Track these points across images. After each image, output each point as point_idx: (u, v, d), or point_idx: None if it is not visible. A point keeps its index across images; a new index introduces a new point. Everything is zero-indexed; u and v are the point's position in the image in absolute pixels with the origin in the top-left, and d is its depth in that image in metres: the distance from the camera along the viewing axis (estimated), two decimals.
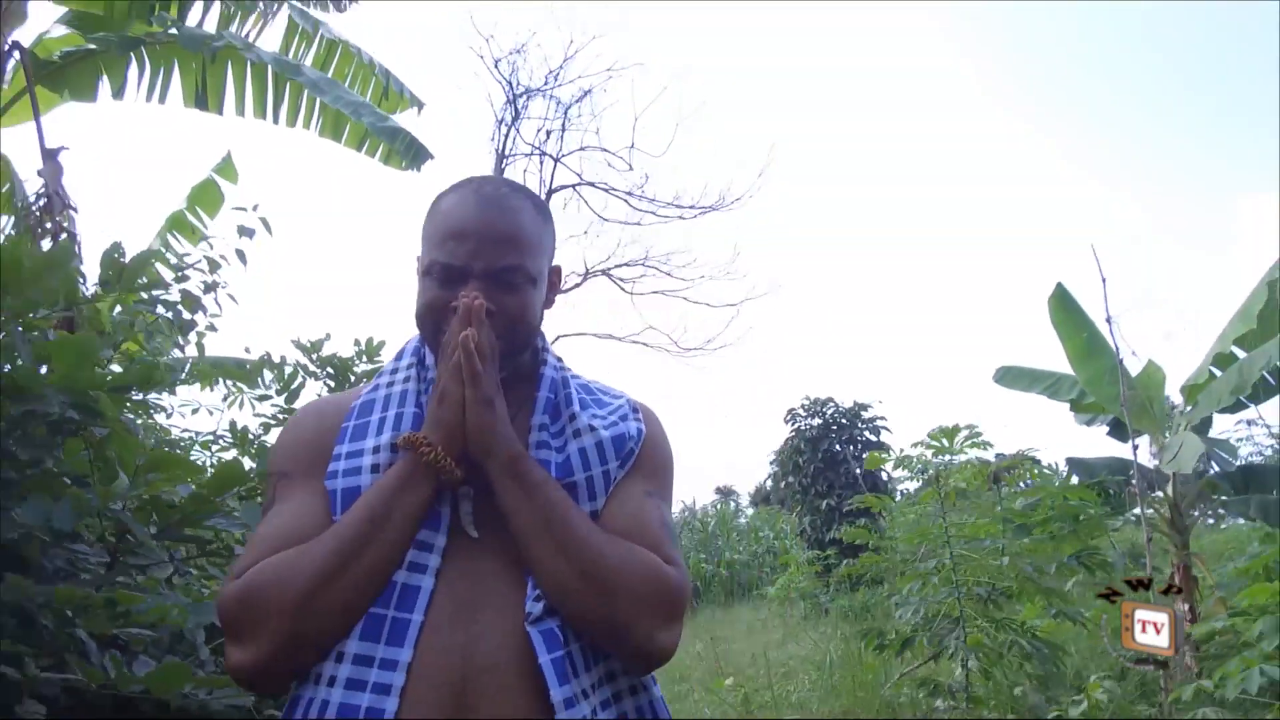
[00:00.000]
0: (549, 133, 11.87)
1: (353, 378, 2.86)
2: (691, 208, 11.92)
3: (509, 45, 12.36)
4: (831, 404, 11.40)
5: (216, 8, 4.74)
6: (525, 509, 0.99)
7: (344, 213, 26.92)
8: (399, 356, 1.17)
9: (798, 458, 11.24)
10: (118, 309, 2.46)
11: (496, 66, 11.73)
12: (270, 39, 5.28)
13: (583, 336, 12.44)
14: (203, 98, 4.81)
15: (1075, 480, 5.66)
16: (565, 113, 11.82)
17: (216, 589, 1.56)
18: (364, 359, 2.89)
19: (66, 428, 1.32)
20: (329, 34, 5.21)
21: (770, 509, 18.05)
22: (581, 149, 11.96)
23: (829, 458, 10.91)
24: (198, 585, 1.72)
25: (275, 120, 4.94)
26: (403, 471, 0.99)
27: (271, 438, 2.75)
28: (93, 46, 4.50)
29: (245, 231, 2.92)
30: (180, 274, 2.89)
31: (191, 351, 2.94)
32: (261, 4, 4.80)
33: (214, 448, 2.98)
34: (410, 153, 4.94)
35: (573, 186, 12.08)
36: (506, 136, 11.81)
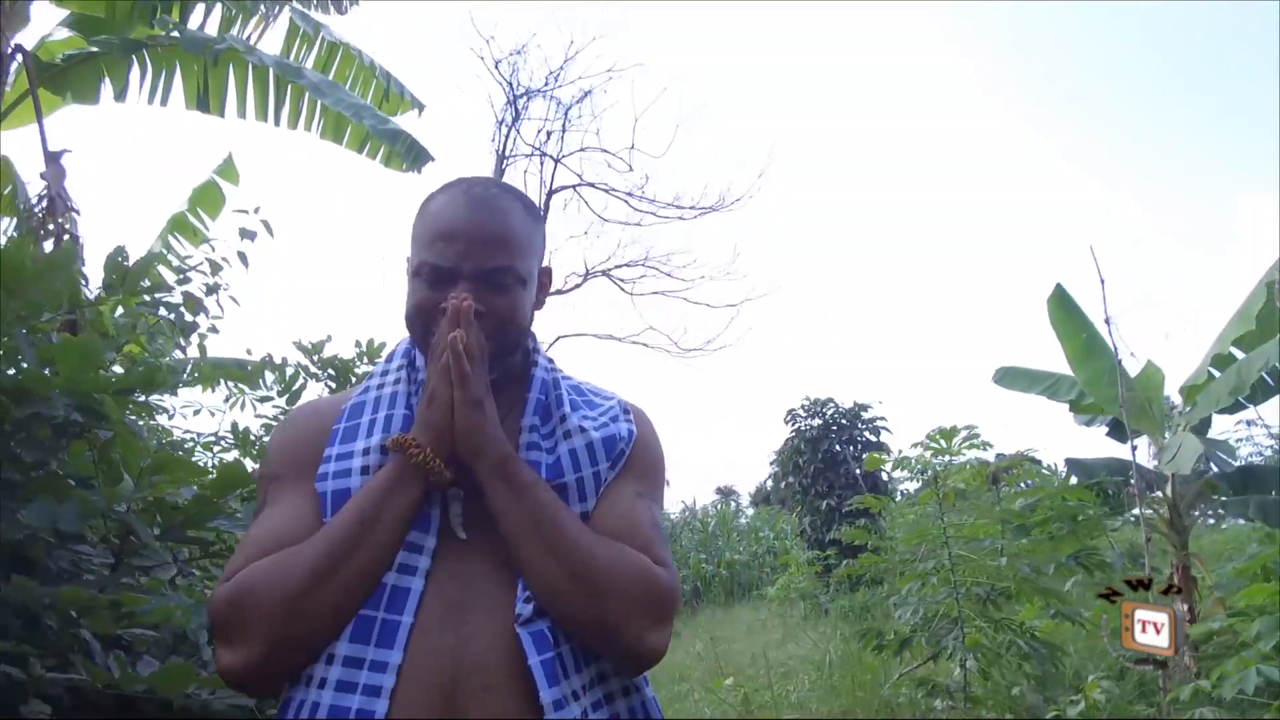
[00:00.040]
0: (549, 134, 11.89)
1: (354, 379, 2.88)
2: (691, 208, 11.93)
3: (509, 46, 12.36)
4: (831, 404, 11.41)
5: (218, 10, 4.75)
6: (515, 510, 0.99)
7: (345, 215, 26.95)
8: (389, 358, 1.17)
9: (798, 458, 11.25)
10: (119, 310, 2.48)
11: (497, 67, 11.75)
12: (272, 41, 5.30)
13: (583, 337, 12.48)
14: (204, 100, 4.82)
15: (1074, 481, 5.66)
16: (565, 114, 11.84)
17: None
18: (365, 360, 2.91)
19: (71, 430, 1.33)
20: (330, 36, 5.23)
21: (770, 509, 18.06)
22: (582, 150, 11.99)
23: (829, 458, 10.92)
24: (200, 586, 1.73)
25: (277, 123, 4.96)
26: (392, 473, 0.99)
27: None
28: (95, 49, 4.51)
29: (247, 234, 2.94)
30: (182, 276, 2.90)
31: (193, 353, 2.95)
32: (263, 7, 4.81)
33: (215, 449, 2.99)
34: (411, 155, 4.95)
35: (573, 187, 12.10)
36: (507, 137, 11.83)
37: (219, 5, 4.68)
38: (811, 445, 11.15)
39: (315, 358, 2.90)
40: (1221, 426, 10.46)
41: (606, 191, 11.97)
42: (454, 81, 26.20)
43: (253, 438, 2.75)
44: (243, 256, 2.96)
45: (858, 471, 9.46)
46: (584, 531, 1.00)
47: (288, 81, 4.80)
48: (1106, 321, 4.20)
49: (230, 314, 2.93)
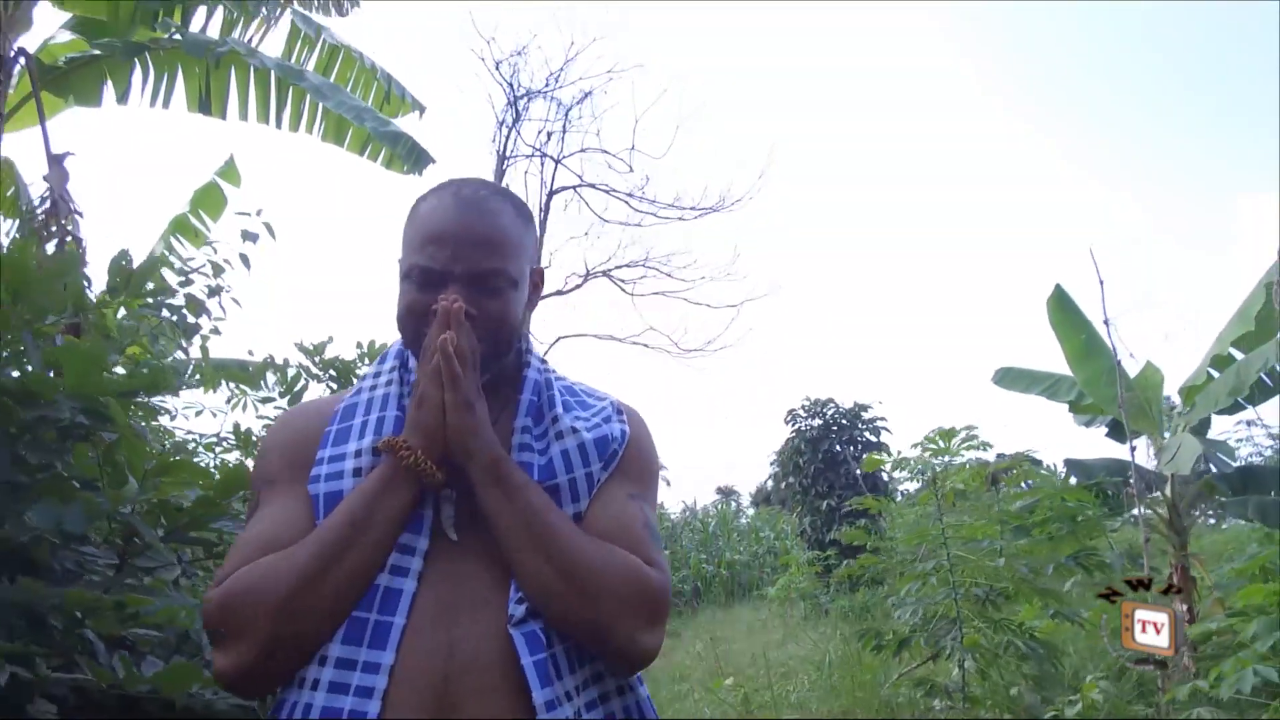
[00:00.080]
0: (550, 134, 11.93)
1: (355, 380, 2.89)
2: (692, 209, 11.99)
3: (510, 47, 12.41)
4: (832, 405, 11.42)
5: (220, 13, 4.77)
6: (506, 512, 0.99)
7: (346, 216, 26.99)
8: (382, 360, 1.17)
9: (798, 458, 11.26)
10: (122, 311, 2.50)
11: (498, 68, 11.79)
12: (273, 44, 5.34)
13: (583, 338, 12.51)
14: (206, 103, 4.84)
15: (1074, 481, 5.67)
16: (566, 114, 11.89)
17: None
18: (366, 362, 2.92)
19: (76, 432, 1.35)
20: (331, 39, 5.25)
21: (771, 509, 18.07)
22: (582, 151, 12.03)
23: (829, 458, 10.93)
24: (204, 587, 1.74)
25: (278, 125, 4.98)
26: (383, 475, 0.99)
27: None
28: (97, 52, 4.53)
29: (249, 236, 2.95)
30: (185, 278, 2.92)
31: (195, 354, 2.97)
32: (264, 9, 4.83)
33: (217, 450, 3.01)
34: (412, 157, 4.98)
35: (574, 188, 12.13)
36: (508, 138, 11.87)
37: (221, 8, 4.70)
38: (812, 445, 11.16)
39: (317, 359, 2.91)
40: (1221, 427, 10.47)
41: (607, 192, 12.02)
42: (454, 82, 26.25)
43: (254, 439, 2.76)
44: (244, 259, 2.98)
45: (858, 472, 9.47)
46: (576, 533, 1.00)
47: (289, 84, 4.82)
48: (1105, 322, 4.21)
49: (232, 315, 2.95)
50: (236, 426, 2.82)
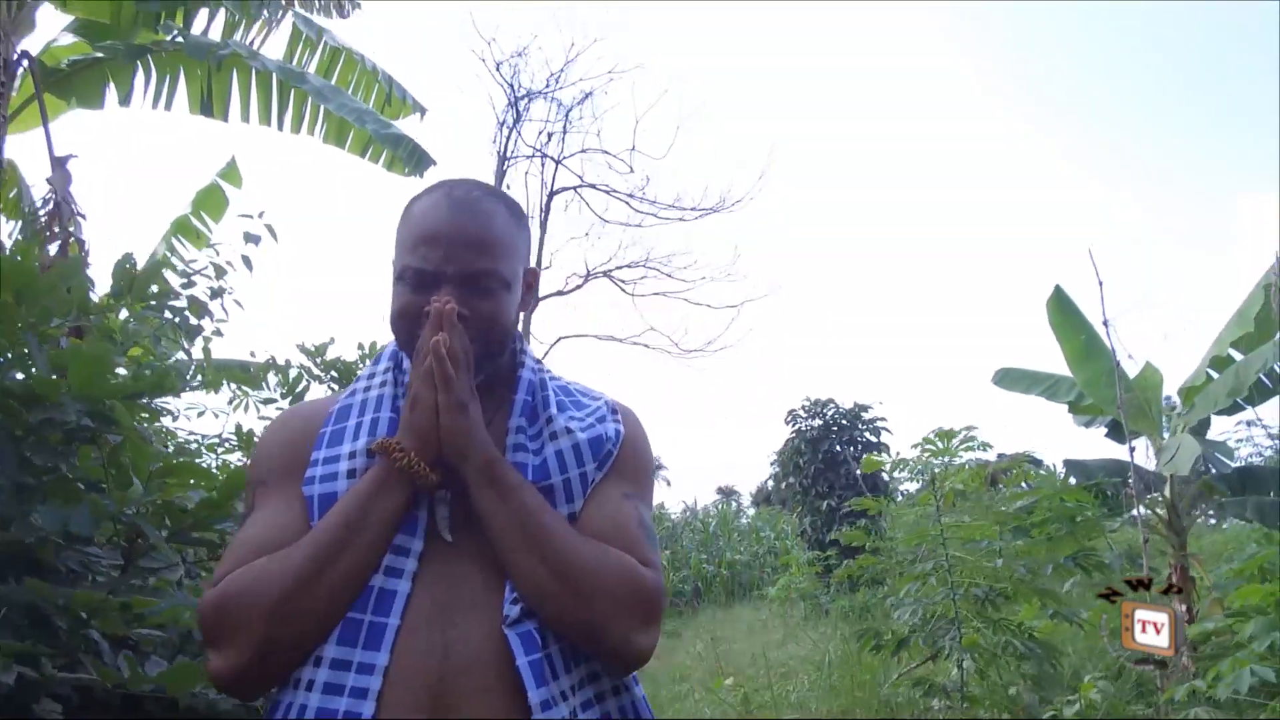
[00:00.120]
0: (550, 135, 11.93)
1: None
2: (692, 209, 11.98)
3: (510, 48, 12.42)
4: (832, 405, 11.43)
5: (222, 16, 4.79)
6: (501, 512, 0.99)
7: (347, 218, 27.01)
8: (376, 361, 1.16)
9: (798, 458, 11.27)
10: (124, 313, 2.51)
11: (498, 69, 11.79)
12: (275, 46, 5.35)
13: (584, 338, 12.52)
14: (208, 105, 4.86)
15: (1073, 482, 5.68)
16: (566, 115, 11.89)
17: None
18: (367, 363, 2.94)
19: (81, 435, 1.36)
20: (333, 41, 5.27)
21: (771, 509, 18.10)
22: (583, 151, 12.03)
23: (829, 458, 10.94)
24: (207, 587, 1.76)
25: (280, 127, 5.00)
26: (377, 477, 0.99)
27: None
28: (100, 55, 4.55)
29: (251, 238, 2.97)
30: (187, 280, 2.93)
31: (198, 355, 2.98)
32: (266, 12, 4.85)
33: (219, 450, 3.02)
34: (413, 159, 4.99)
35: (574, 189, 12.14)
36: (508, 139, 11.87)
37: (223, 11, 4.71)
38: (812, 446, 11.17)
39: (318, 360, 2.93)
40: (1220, 428, 10.45)
41: (607, 193, 12.02)
42: (455, 83, 26.27)
43: (256, 439, 2.78)
44: (247, 260, 2.99)
45: (858, 472, 9.49)
46: (570, 533, 1.01)
47: (291, 86, 4.84)
48: (1105, 323, 4.23)
49: (234, 317, 2.96)
50: (238, 427, 2.83)
